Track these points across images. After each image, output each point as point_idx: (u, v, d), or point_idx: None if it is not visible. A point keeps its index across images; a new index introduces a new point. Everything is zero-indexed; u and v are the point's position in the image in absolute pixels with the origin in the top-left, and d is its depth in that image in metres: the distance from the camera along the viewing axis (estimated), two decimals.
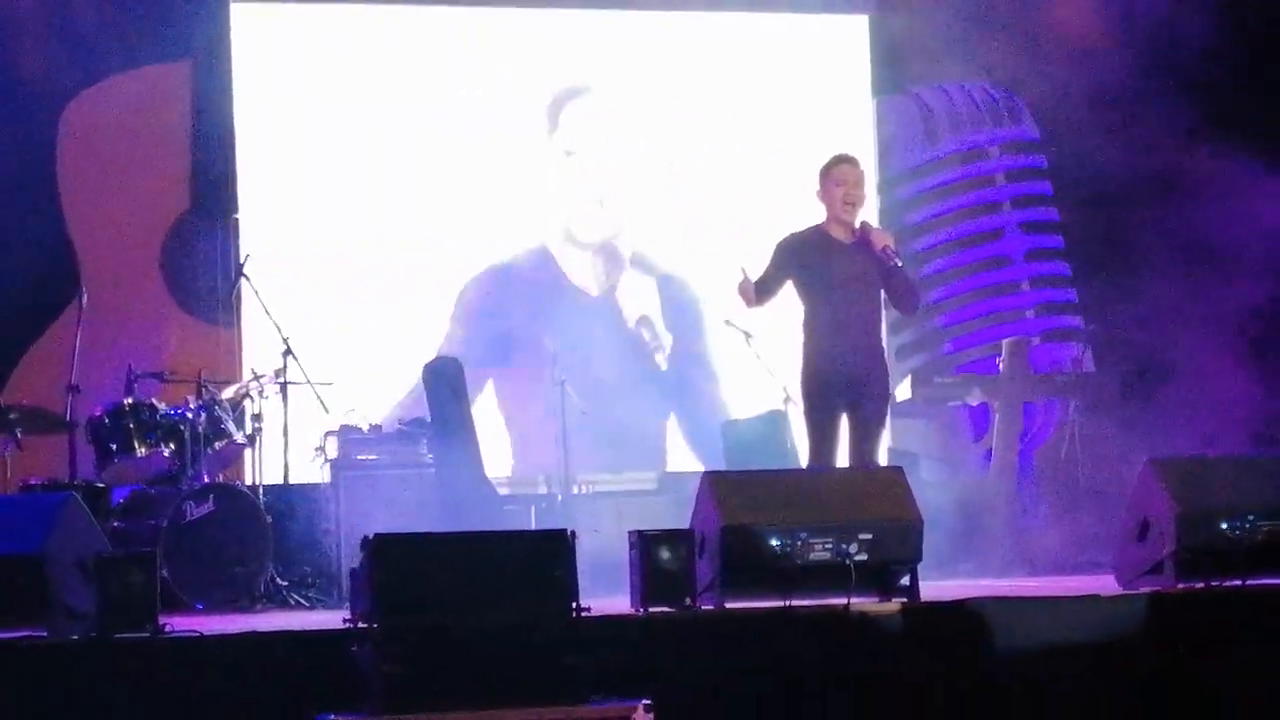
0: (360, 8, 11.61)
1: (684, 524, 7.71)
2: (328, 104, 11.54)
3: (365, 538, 7.24)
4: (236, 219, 11.25)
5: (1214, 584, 7.75)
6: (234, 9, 11.40)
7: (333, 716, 6.55)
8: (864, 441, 9.18)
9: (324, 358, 10.90)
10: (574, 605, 7.10)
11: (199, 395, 9.86)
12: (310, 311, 11.18)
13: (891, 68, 12.40)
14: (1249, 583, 7.74)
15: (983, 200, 12.33)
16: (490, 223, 11.74)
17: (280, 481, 10.38)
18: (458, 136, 11.71)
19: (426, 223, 11.62)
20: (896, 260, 9.16)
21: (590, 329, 11.69)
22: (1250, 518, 7.88)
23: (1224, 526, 7.85)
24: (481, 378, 11.41)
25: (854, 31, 12.37)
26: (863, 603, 7.43)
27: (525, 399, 11.38)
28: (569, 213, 11.95)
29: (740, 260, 9.20)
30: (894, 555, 7.61)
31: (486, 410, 11.31)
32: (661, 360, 11.79)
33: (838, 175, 9.28)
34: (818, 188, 9.30)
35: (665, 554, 7.42)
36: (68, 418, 9.91)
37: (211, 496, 9.49)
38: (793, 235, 9.35)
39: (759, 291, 9.16)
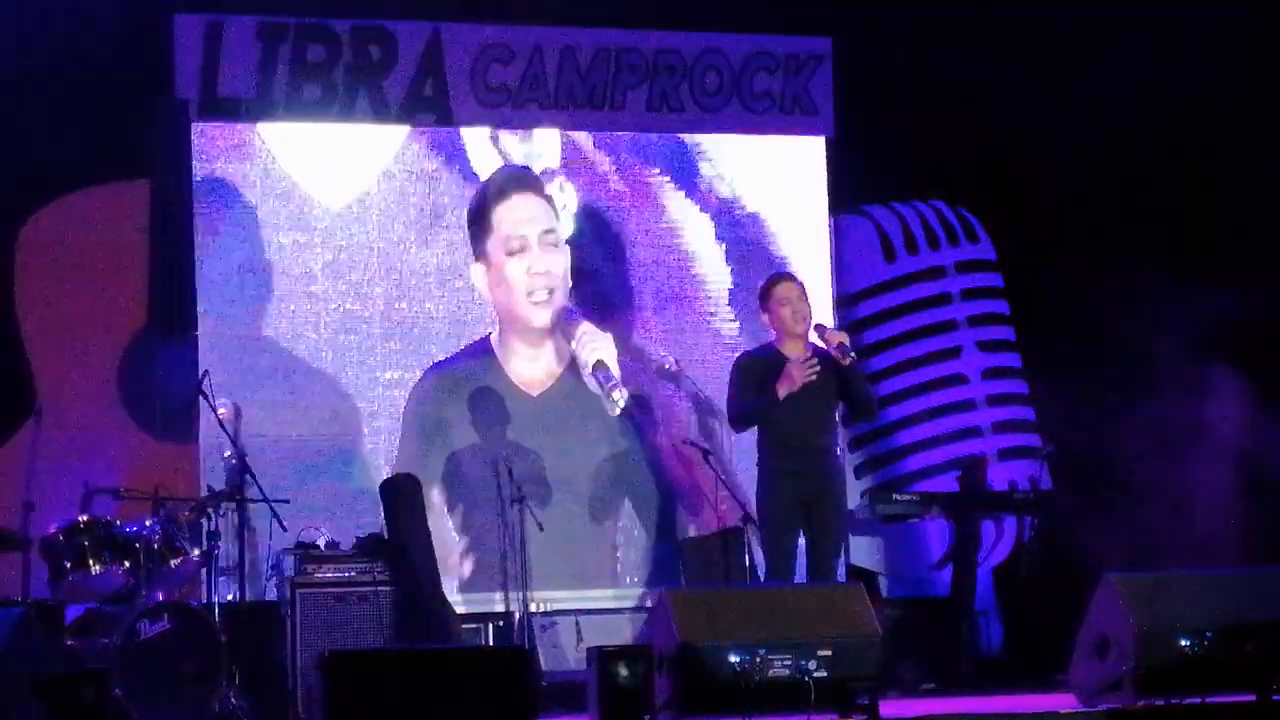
0: (316, 126, 11.61)
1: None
2: (286, 220, 11.53)
3: (322, 656, 7.22)
4: (195, 335, 11.22)
5: (1174, 701, 7.74)
6: (194, 128, 11.41)
7: None
8: (822, 559, 9.18)
9: (281, 475, 10.85)
10: None
11: (155, 512, 9.81)
12: (268, 427, 11.14)
13: (848, 187, 12.44)
14: (1209, 700, 7.74)
15: (939, 319, 12.36)
16: (437, 325, 11.66)
17: (235, 599, 10.30)
18: (413, 246, 11.68)
19: (383, 335, 11.58)
20: (851, 356, 9.18)
21: (533, 429, 11.53)
22: (1209, 634, 7.89)
23: (1183, 643, 7.86)
24: (432, 490, 11.31)
25: (810, 152, 12.40)
26: None
27: (478, 512, 11.30)
28: (516, 305, 11.73)
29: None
30: (854, 672, 7.60)
31: (439, 526, 11.21)
32: (620, 398, 11.35)
33: (779, 295, 9.35)
34: (762, 313, 9.38)
35: (623, 671, 7.40)
36: (22, 535, 9.84)
37: (166, 615, 9.40)
38: (747, 355, 9.42)
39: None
